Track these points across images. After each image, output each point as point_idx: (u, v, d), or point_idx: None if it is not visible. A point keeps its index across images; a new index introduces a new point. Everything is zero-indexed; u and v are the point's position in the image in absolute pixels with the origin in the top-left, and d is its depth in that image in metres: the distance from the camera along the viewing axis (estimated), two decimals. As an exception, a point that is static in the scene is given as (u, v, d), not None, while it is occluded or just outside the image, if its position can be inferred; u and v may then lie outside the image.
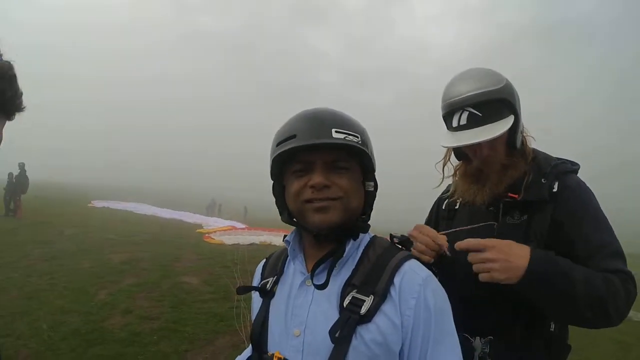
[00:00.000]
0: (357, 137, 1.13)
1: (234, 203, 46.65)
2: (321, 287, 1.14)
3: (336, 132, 1.10)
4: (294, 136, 1.12)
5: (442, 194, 1.93)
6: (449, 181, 1.86)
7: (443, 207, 1.87)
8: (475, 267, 1.39)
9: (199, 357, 5.19)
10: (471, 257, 1.40)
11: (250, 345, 1.29)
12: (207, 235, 16.31)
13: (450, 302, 1.15)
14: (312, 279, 1.16)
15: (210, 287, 8.28)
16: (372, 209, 1.24)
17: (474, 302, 1.51)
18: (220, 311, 6.70)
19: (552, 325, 1.52)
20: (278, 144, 1.15)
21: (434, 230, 1.56)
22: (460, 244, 1.42)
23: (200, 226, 20.71)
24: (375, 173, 1.26)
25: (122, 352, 5.09)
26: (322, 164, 1.13)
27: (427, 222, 1.94)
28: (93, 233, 13.72)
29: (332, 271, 1.15)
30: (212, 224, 22.51)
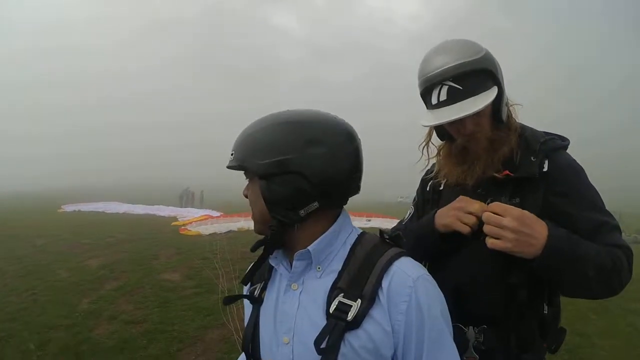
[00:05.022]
0: (232, 154, 1.17)
1: (207, 191, 46.01)
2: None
3: (231, 154, 1.18)
4: None
5: (426, 174, 1.85)
6: (434, 161, 1.77)
7: (427, 189, 1.78)
8: (487, 229, 1.34)
9: (191, 355, 5.24)
10: (488, 218, 1.34)
11: (243, 353, 1.28)
12: (182, 227, 16.15)
13: (443, 293, 1.13)
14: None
15: (193, 282, 8.31)
16: (282, 219, 1.12)
17: (465, 291, 1.49)
18: (207, 305, 6.75)
19: (546, 308, 1.50)
20: None
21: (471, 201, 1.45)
22: (489, 207, 1.36)
23: (175, 219, 20.47)
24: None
25: (114, 360, 5.12)
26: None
27: (415, 206, 1.87)
28: (67, 240, 13.44)
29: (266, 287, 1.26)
30: (187, 214, 22.30)
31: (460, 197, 1.49)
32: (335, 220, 1.18)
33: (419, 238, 1.58)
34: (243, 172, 1.18)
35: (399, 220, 1.94)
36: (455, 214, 1.44)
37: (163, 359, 5.16)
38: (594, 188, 1.51)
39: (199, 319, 6.28)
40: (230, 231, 14.53)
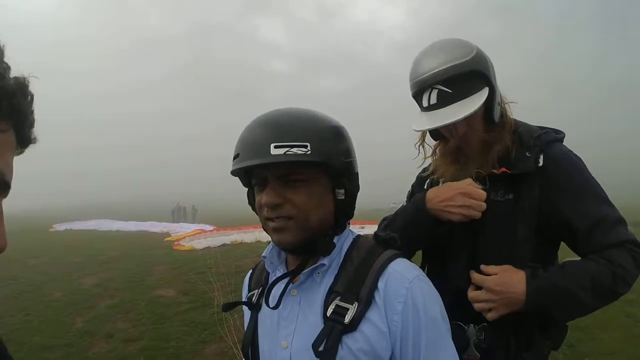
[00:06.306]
0: (305, 147, 1.01)
1: (197, 206, 45.73)
2: (274, 308, 1.12)
3: (275, 147, 1.00)
4: (238, 155, 1.06)
5: (421, 172, 1.82)
6: (430, 160, 1.75)
7: (425, 187, 1.73)
8: (476, 307, 1.42)
9: (189, 370, 5.20)
10: (471, 297, 1.43)
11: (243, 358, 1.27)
12: (176, 242, 16.06)
13: (443, 291, 1.13)
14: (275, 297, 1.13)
15: (188, 297, 8.25)
16: (348, 216, 1.16)
17: (466, 290, 1.47)
18: (203, 320, 6.71)
19: None
20: (233, 159, 1.08)
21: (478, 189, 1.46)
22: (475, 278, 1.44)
23: (168, 234, 20.35)
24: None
25: (111, 379, 5.06)
26: (274, 179, 1.05)
27: (410, 199, 1.80)
28: (59, 259, 13.33)
29: (284, 293, 1.12)
30: (179, 230, 22.20)
31: (461, 184, 1.48)
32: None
33: (409, 224, 1.57)
34: (288, 170, 1.05)
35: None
36: (457, 211, 1.45)
37: (161, 376, 5.11)
38: (594, 178, 1.49)
39: (196, 334, 6.25)
40: (224, 245, 14.48)
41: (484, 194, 1.44)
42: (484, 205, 1.43)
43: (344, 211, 1.14)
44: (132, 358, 5.58)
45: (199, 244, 14.92)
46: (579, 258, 1.46)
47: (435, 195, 1.51)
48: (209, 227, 21.01)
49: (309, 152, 1.01)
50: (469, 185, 1.46)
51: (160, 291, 8.84)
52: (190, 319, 6.91)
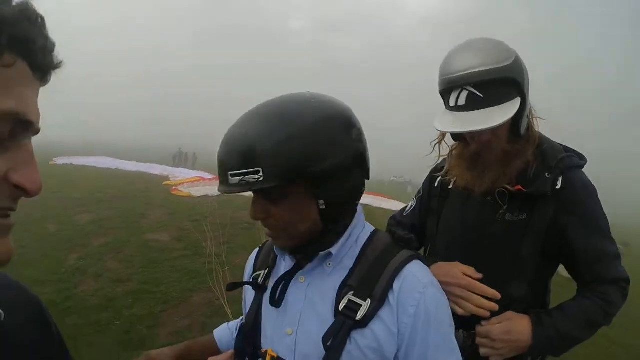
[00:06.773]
0: (257, 173, 0.95)
1: (200, 151, 45.68)
2: (276, 305, 1.11)
3: (232, 175, 0.97)
4: None
5: (435, 170, 1.79)
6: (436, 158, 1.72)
7: (435, 185, 1.75)
8: (482, 352, 1.42)
9: (175, 317, 5.31)
10: (479, 343, 1.43)
11: (226, 323, 1.28)
12: (174, 187, 16.08)
13: None
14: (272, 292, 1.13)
15: (181, 244, 8.36)
16: (339, 218, 1.10)
17: None
18: (193, 268, 6.79)
19: None
20: None
21: (478, 284, 1.36)
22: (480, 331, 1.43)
23: (167, 178, 20.34)
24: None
25: (97, 318, 5.18)
26: (256, 195, 1.04)
27: (419, 201, 1.84)
28: (57, 193, 13.37)
29: (286, 289, 1.12)
30: (179, 175, 22.15)
31: (463, 278, 1.38)
32: (352, 215, 1.15)
33: None
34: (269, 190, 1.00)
35: (393, 201, 1.92)
36: (455, 301, 1.35)
37: (147, 319, 5.22)
38: (603, 212, 1.50)
39: (185, 282, 6.34)
40: (221, 195, 14.49)
41: (485, 290, 1.35)
42: (484, 304, 1.33)
43: (329, 217, 1.06)
44: (120, 299, 5.68)
45: (197, 191, 14.88)
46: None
47: (436, 275, 1.34)
48: (208, 176, 20.89)
49: (261, 179, 0.95)
50: (468, 277, 1.38)
51: (154, 235, 8.93)
52: (181, 266, 7.00)
